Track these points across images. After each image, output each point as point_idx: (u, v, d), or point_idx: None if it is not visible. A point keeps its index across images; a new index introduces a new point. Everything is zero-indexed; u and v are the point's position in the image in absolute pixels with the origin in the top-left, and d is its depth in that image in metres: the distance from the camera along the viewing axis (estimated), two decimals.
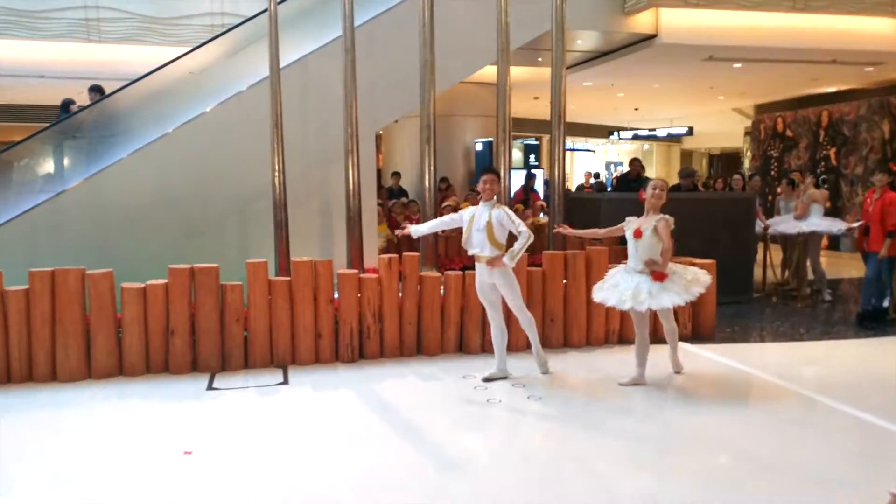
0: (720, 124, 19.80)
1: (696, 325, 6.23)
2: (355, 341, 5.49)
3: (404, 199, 10.36)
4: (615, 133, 22.59)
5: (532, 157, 14.34)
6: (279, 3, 6.64)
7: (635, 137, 22.77)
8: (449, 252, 8.98)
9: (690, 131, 20.42)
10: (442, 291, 5.67)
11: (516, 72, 7.09)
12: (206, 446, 3.81)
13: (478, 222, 4.79)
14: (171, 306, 5.12)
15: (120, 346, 5.10)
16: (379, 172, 11.90)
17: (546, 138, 20.57)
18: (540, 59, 10.55)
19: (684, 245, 6.65)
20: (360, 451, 3.76)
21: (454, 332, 5.70)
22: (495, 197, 4.84)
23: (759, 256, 8.78)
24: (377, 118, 7.73)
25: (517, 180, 10.84)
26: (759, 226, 8.30)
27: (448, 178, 11.87)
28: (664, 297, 4.55)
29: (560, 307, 5.86)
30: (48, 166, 8.28)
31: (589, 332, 5.94)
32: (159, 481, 3.39)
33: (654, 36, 9.37)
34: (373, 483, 3.37)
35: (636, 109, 18.74)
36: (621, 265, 4.92)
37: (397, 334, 5.59)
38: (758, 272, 8.57)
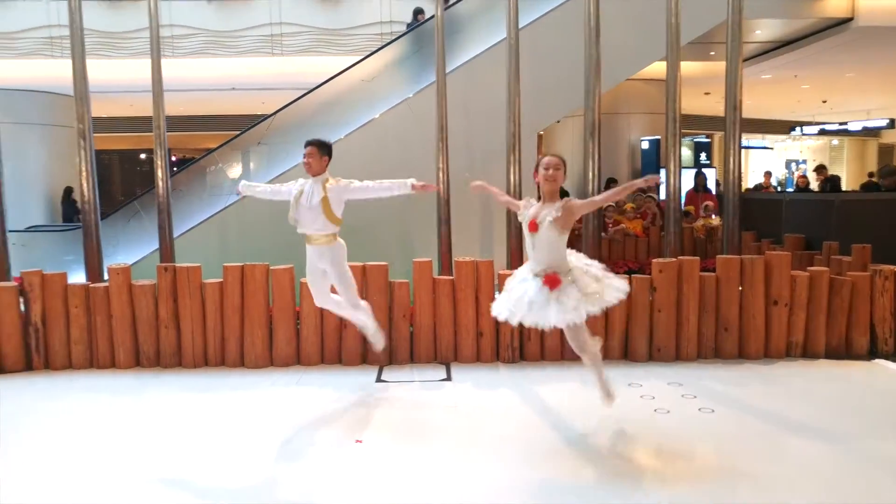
0: None
1: None
2: (516, 342, 5.49)
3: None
4: (797, 128, 20.73)
5: (703, 156, 13.54)
6: (445, 9, 6.80)
7: (822, 132, 20.75)
8: (613, 255, 8.73)
9: (892, 124, 18.25)
10: None
11: (686, 66, 6.72)
12: (376, 436, 3.98)
13: (308, 199, 4.39)
14: None
15: (298, 336, 5.48)
16: None
17: (718, 135, 19.41)
18: (712, 53, 9.98)
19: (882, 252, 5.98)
20: (519, 451, 3.74)
21: (618, 339, 5.52)
22: (327, 172, 4.46)
23: None
24: (540, 118, 7.71)
25: (687, 180, 10.24)
26: None
27: (616, 179, 11.59)
28: (550, 311, 3.52)
29: (735, 315, 5.46)
30: (236, 171, 9.14)
31: (768, 343, 5.48)
32: (333, 465, 3.59)
33: (849, 19, 8.49)
34: (527, 484, 3.34)
35: (824, 102, 17.11)
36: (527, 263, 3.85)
37: (559, 337, 5.49)
38: None
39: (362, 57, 8.85)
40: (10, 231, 6.17)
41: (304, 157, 4.43)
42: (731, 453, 3.74)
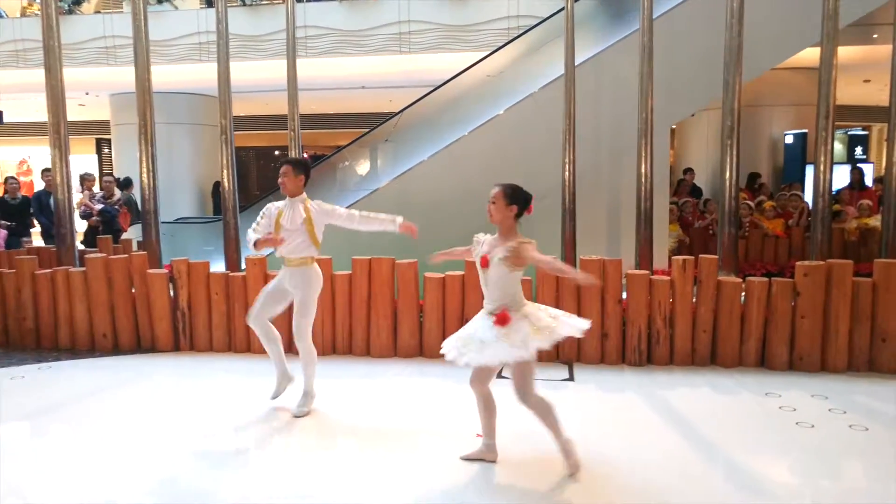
0: None
1: None
2: (643, 345, 5.27)
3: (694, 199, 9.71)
4: None
5: (858, 150, 12.37)
6: (576, 1, 6.63)
7: None
8: (750, 256, 8.20)
9: None
10: (742, 299, 5.17)
11: (842, 52, 6.15)
12: (497, 431, 3.94)
13: (290, 220, 4.14)
14: (466, 296, 5.43)
15: (421, 329, 5.56)
16: (670, 169, 11.35)
17: (877, 127, 17.71)
18: (875, 36, 9.10)
19: None
20: (643, 457, 3.57)
21: (755, 344, 5.16)
22: (304, 192, 4.22)
23: None
24: (674, 112, 7.37)
25: (840, 176, 9.35)
26: None
27: (759, 173, 10.90)
28: (489, 350, 3.20)
29: (895, 326, 4.95)
30: (364, 167, 9.41)
31: None
32: (452, 458, 3.61)
33: None
34: (653, 491, 3.18)
35: None
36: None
37: (689, 341, 5.23)
38: None
39: (488, 52, 8.84)
40: (162, 223, 6.69)
41: (280, 177, 4.21)
42: (886, 477, 3.38)
